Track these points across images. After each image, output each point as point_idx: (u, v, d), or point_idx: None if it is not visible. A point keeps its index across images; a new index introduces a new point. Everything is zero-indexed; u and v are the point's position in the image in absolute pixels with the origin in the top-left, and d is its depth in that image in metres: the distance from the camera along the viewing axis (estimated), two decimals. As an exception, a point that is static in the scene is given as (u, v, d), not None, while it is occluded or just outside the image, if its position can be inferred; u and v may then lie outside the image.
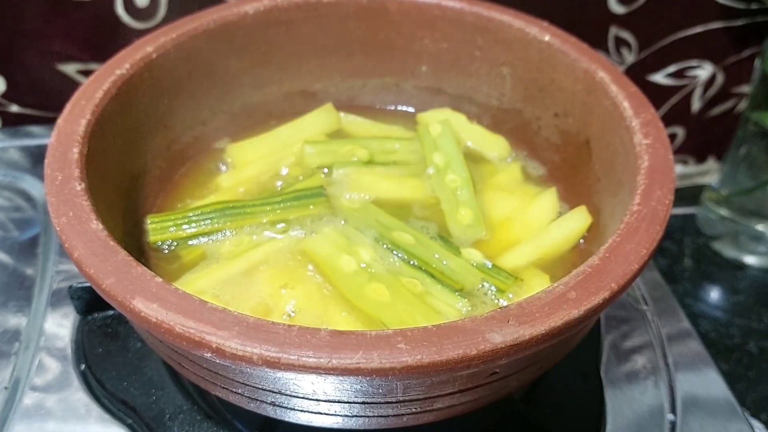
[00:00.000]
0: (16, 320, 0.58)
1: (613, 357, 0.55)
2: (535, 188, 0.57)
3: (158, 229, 0.50)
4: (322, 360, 0.32)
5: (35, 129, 0.77)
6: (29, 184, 0.70)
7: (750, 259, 0.80)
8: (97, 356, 0.52)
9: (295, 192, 0.53)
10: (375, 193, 0.54)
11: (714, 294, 0.78)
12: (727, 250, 0.81)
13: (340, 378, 0.33)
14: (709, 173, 0.99)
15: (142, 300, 0.34)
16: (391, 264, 0.48)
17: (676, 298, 0.62)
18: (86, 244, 0.37)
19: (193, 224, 0.50)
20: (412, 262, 0.48)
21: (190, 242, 0.50)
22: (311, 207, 0.52)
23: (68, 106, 0.46)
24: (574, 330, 0.36)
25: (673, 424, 0.51)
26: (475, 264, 0.48)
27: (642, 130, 0.46)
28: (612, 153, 0.49)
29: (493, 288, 0.47)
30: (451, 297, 0.46)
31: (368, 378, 0.33)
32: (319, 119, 0.61)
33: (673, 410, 0.52)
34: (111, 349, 0.52)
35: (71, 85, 0.78)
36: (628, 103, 0.48)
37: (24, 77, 0.78)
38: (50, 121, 0.79)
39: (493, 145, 0.60)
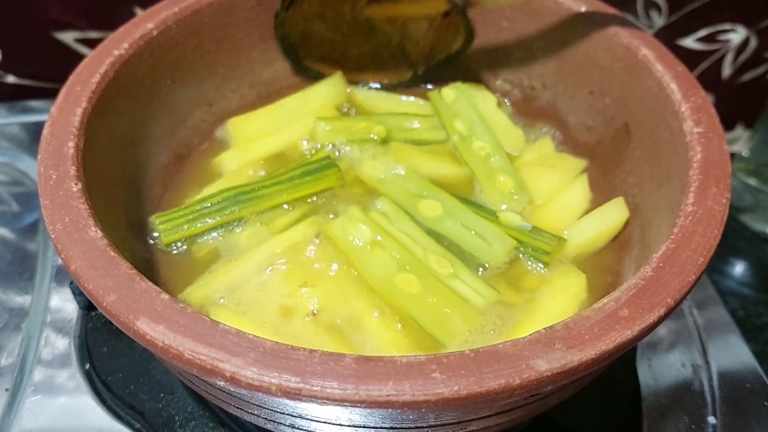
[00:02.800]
0: (20, 299, 0.55)
1: (650, 353, 0.52)
2: (572, 159, 0.53)
3: (169, 229, 0.46)
4: (348, 392, 0.29)
5: (34, 104, 0.74)
6: (27, 163, 0.67)
7: (780, 233, 0.76)
8: (102, 356, 0.49)
9: (303, 167, 0.49)
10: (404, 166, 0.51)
11: (741, 269, 0.75)
12: (756, 223, 0.77)
13: (369, 410, 0.30)
14: (738, 142, 0.95)
15: (147, 321, 0.31)
16: (418, 240, 0.46)
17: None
18: (84, 255, 0.34)
19: (206, 218, 0.46)
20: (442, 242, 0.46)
21: (201, 239, 0.47)
22: (324, 181, 0.49)
23: (62, 94, 0.42)
24: (627, 350, 0.32)
25: (714, 428, 0.48)
26: (514, 227, 0.46)
27: (692, 116, 0.42)
28: (656, 140, 0.45)
29: (530, 261, 0.45)
30: (478, 284, 0.44)
31: (399, 411, 0.29)
32: (327, 90, 0.57)
33: (714, 412, 0.49)
34: (116, 348, 0.49)
35: (69, 55, 0.74)
36: (676, 84, 0.44)
37: (19, 46, 0.74)
38: (49, 93, 0.76)
39: (508, 137, 0.55)
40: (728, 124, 0.95)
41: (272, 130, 0.54)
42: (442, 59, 0.56)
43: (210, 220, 0.46)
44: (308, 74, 0.57)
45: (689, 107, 0.42)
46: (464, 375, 0.29)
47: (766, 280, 0.74)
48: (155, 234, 0.46)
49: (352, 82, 0.58)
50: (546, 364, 0.30)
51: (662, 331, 0.54)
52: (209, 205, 0.47)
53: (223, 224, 0.47)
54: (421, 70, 0.57)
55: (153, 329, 0.31)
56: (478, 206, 0.48)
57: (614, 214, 0.47)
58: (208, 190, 0.50)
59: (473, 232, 0.46)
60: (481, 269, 0.45)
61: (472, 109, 0.54)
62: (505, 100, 0.58)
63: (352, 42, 0.55)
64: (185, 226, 0.46)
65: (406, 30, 0.54)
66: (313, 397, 0.29)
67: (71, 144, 0.39)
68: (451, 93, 0.55)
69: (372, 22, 0.54)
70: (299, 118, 0.55)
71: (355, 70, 0.57)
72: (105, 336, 0.50)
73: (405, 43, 0.55)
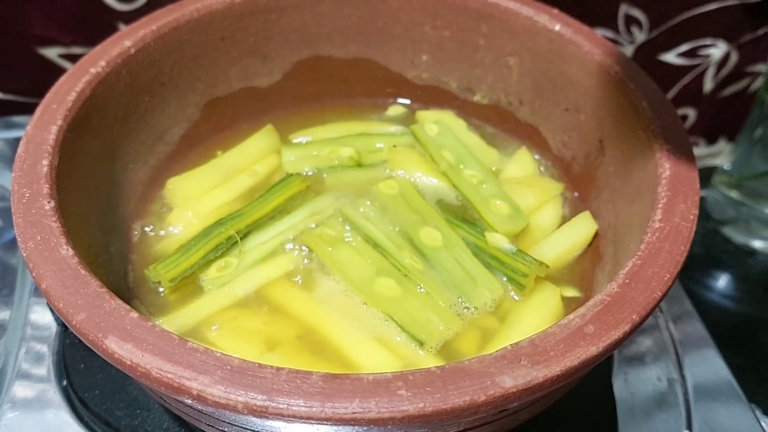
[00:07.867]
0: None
1: (626, 367, 0.52)
2: (550, 181, 0.54)
3: (165, 269, 0.46)
4: (314, 409, 0.29)
5: (18, 119, 0.74)
6: (9, 179, 0.67)
7: (761, 245, 0.76)
8: (80, 372, 0.49)
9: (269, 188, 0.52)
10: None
11: (723, 282, 0.75)
12: (738, 236, 0.78)
13: (335, 428, 0.30)
14: (720, 155, 0.95)
15: (116, 339, 0.31)
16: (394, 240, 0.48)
17: (683, 287, 0.60)
18: (55, 274, 0.34)
19: (194, 247, 0.47)
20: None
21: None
22: (290, 188, 0.51)
23: (38, 112, 0.42)
24: (592, 366, 0.32)
25: (689, 442, 0.48)
26: (499, 248, 0.47)
27: (663, 133, 0.42)
28: (628, 156, 0.46)
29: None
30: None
31: (365, 428, 0.30)
32: (260, 142, 0.56)
33: (689, 426, 0.49)
34: (93, 364, 0.49)
35: (53, 70, 0.74)
36: (647, 102, 0.44)
37: (3, 62, 0.74)
38: (33, 109, 0.76)
39: (484, 157, 0.56)
40: (710, 138, 0.96)
41: (212, 186, 0.53)
42: None
43: (199, 248, 0.47)
44: None
45: (659, 124, 0.43)
46: (430, 392, 0.29)
47: (748, 292, 0.74)
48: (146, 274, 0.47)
49: None
50: (511, 381, 0.30)
51: (638, 345, 0.54)
52: (197, 238, 0.47)
53: (212, 249, 0.47)
54: None
55: (121, 347, 0.31)
56: (471, 224, 0.49)
57: (582, 227, 0.48)
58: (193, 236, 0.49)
59: (466, 271, 0.46)
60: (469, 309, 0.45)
61: (458, 141, 0.55)
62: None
63: None
64: (180, 260, 0.46)
65: None
66: (279, 415, 0.29)
67: (45, 162, 0.39)
68: (434, 127, 0.56)
69: None
70: (237, 172, 0.54)
71: None
72: (82, 352, 0.50)
73: None
